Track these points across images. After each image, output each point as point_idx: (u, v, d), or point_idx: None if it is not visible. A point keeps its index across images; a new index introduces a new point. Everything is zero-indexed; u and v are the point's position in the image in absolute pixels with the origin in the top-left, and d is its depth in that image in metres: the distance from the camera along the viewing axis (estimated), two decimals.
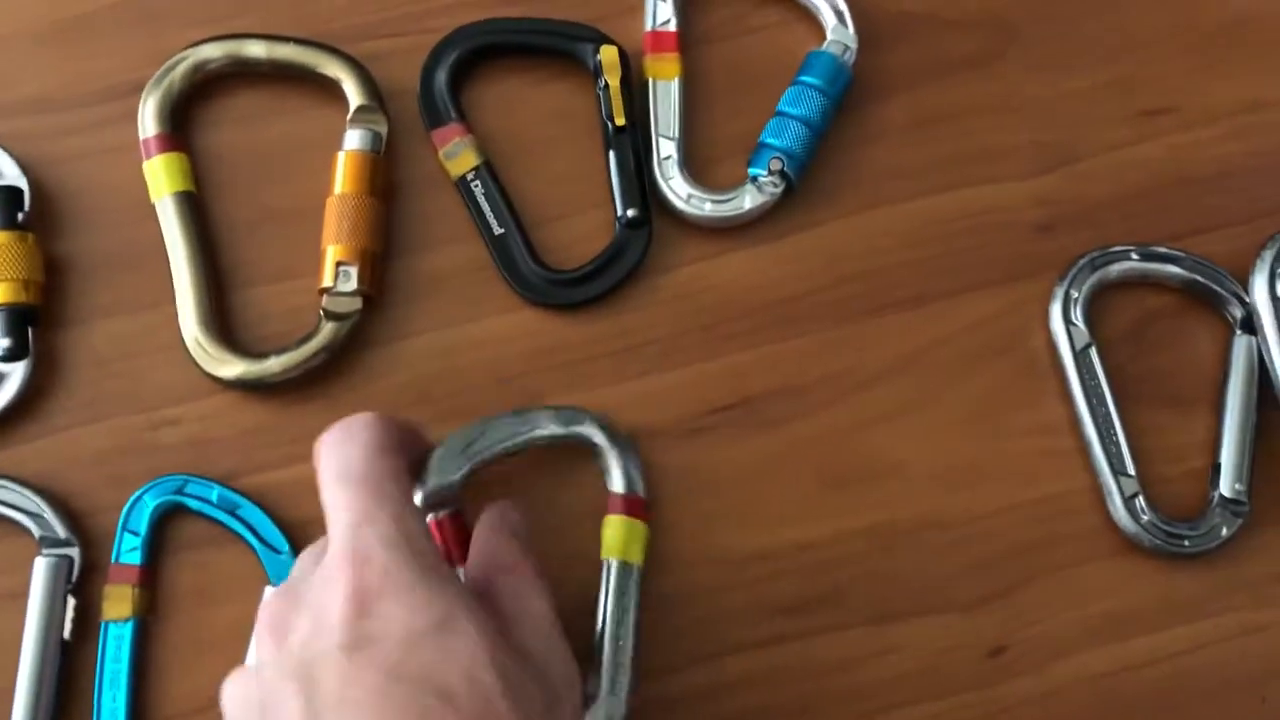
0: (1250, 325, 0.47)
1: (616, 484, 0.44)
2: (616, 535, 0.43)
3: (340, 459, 0.35)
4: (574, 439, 0.44)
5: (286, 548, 0.43)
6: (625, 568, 0.42)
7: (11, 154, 0.46)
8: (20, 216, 0.45)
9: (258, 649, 0.34)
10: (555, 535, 0.44)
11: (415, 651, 0.30)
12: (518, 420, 0.43)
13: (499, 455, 0.42)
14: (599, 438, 0.44)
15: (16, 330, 0.44)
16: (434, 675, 0.30)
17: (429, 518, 0.41)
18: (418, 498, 0.41)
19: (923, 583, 0.45)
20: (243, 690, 0.33)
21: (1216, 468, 0.46)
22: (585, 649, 0.41)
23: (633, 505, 0.43)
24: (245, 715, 0.33)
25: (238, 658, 0.41)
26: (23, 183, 0.45)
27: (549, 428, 0.43)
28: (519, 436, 0.43)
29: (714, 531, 0.44)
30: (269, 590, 0.42)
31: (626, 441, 0.44)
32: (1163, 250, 0.48)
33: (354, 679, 0.30)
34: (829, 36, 0.49)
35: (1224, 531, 0.45)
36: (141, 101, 0.47)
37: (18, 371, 0.44)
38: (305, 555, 0.37)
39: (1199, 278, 0.47)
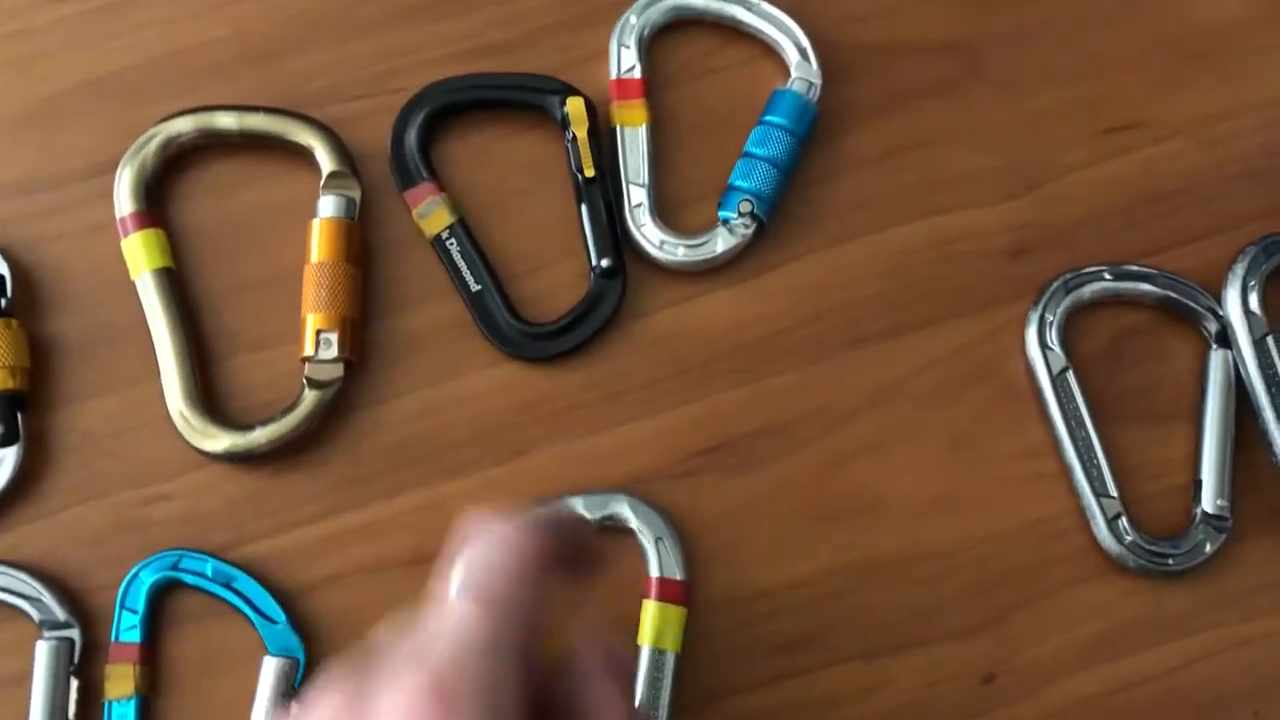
0: (1225, 339, 0.47)
1: (653, 567, 0.44)
2: (652, 622, 0.43)
3: (484, 567, 0.31)
4: (609, 524, 0.45)
5: (283, 618, 0.43)
6: (659, 656, 0.43)
7: None
8: (3, 303, 0.45)
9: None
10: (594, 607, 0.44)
11: None
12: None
13: None
14: (634, 522, 0.44)
15: (6, 416, 0.44)
16: None
17: None
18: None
19: (912, 613, 0.45)
20: None
21: (1198, 484, 0.46)
22: None
23: (669, 589, 0.44)
24: None
25: None
26: (4, 268, 0.46)
27: (581, 516, 0.44)
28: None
29: (704, 574, 0.45)
30: (328, 681, 0.31)
31: (663, 523, 0.44)
32: (1135, 269, 0.48)
33: None
34: (793, 74, 0.49)
35: (1208, 548, 0.45)
36: (116, 179, 0.47)
37: (10, 456, 0.44)
38: (392, 627, 0.32)
39: (1172, 294, 0.48)
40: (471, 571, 0.31)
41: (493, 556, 0.31)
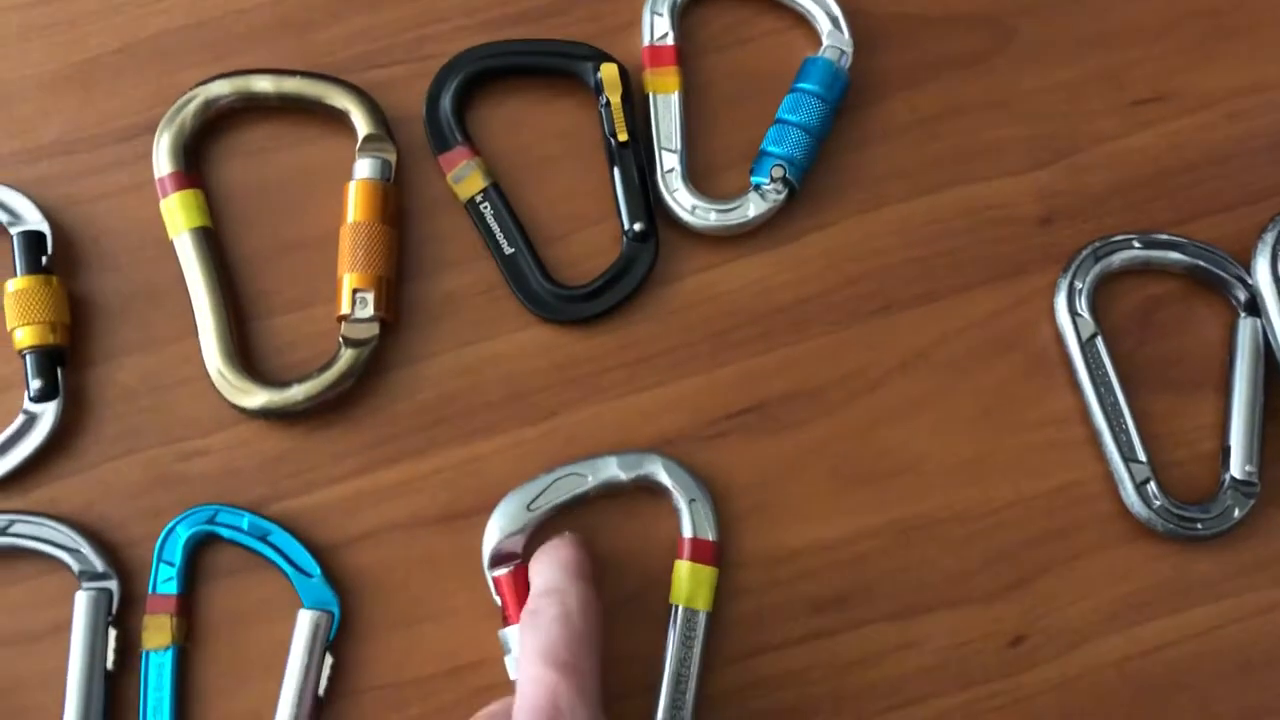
0: (1254, 307, 0.47)
1: (685, 528, 0.44)
2: (684, 581, 0.43)
3: (549, 636, 0.37)
4: (642, 484, 0.45)
5: (317, 571, 0.44)
6: (691, 615, 0.43)
7: (33, 199, 0.47)
8: (44, 260, 0.46)
9: None
10: (624, 571, 0.45)
11: None
12: (583, 469, 0.44)
13: (564, 505, 0.44)
14: (667, 481, 0.44)
15: (46, 371, 0.45)
16: None
17: (492, 574, 0.43)
18: (485, 555, 0.43)
19: (942, 576, 0.45)
20: None
21: (1226, 450, 0.46)
22: (652, 684, 0.43)
23: (701, 550, 0.44)
24: None
25: (274, 680, 0.42)
26: (45, 227, 0.46)
27: (615, 475, 0.44)
28: (583, 486, 0.44)
29: (736, 535, 0.45)
30: None
31: (696, 485, 0.45)
32: (1164, 237, 0.48)
33: None
34: (825, 42, 0.50)
35: (1236, 513, 0.45)
36: (155, 141, 0.48)
37: (49, 411, 0.45)
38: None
39: (1201, 262, 0.48)
40: (538, 633, 0.37)
41: (559, 627, 0.37)
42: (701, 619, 0.43)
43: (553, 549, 0.41)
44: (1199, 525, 0.45)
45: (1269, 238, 0.47)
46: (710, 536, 0.44)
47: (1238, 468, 0.46)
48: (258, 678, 0.43)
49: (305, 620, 0.43)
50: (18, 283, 0.45)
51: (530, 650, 0.37)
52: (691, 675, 0.43)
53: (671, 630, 0.43)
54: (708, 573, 0.44)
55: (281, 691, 0.42)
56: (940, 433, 0.47)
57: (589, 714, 0.35)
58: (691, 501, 0.44)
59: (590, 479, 0.44)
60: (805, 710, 0.44)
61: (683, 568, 0.44)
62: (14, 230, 0.46)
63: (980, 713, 0.44)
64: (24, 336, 0.45)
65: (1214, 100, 0.51)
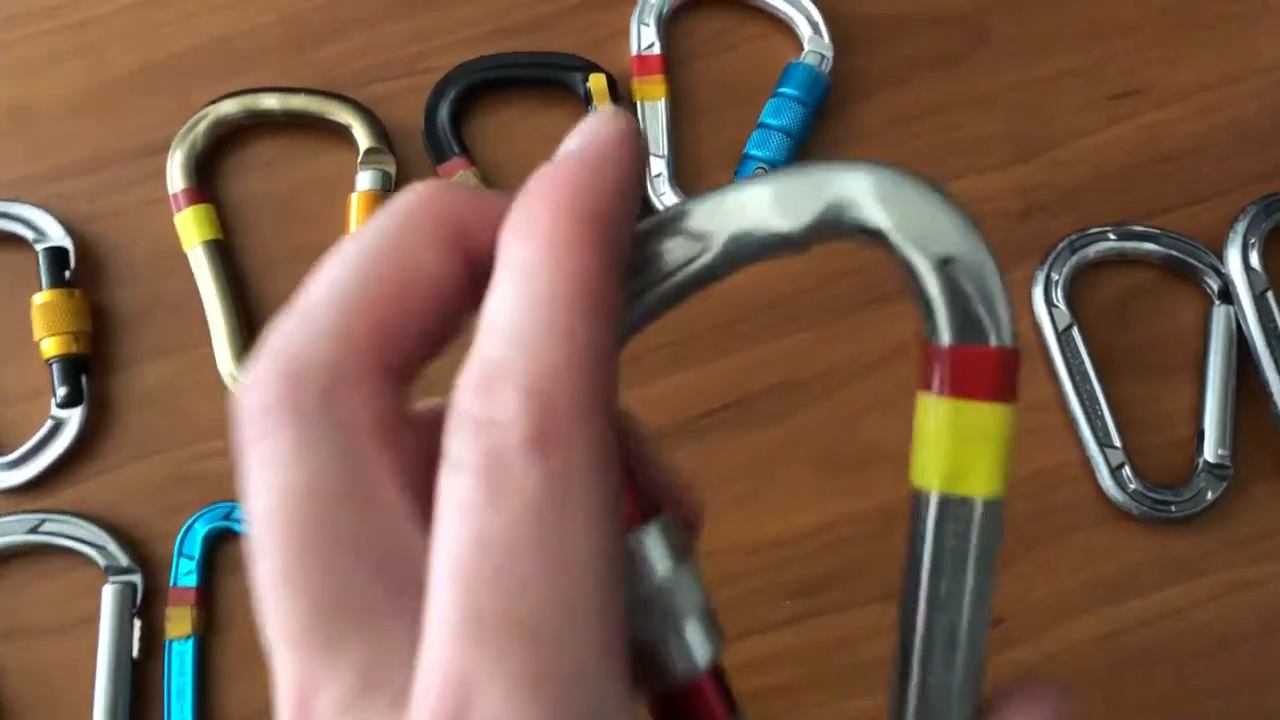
0: (1228, 296, 0.49)
1: (943, 327, 0.21)
2: (942, 437, 0.21)
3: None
4: (834, 235, 0.21)
5: None
6: (961, 506, 0.21)
7: (56, 216, 0.50)
8: (67, 274, 0.49)
9: None
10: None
11: None
12: (705, 211, 0.21)
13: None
14: (888, 229, 0.21)
15: (71, 378, 0.48)
16: None
17: None
18: None
19: None
20: None
21: (1200, 434, 0.48)
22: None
23: (980, 370, 0.21)
24: None
25: None
26: (68, 243, 0.49)
27: (775, 224, 0.21)
28: (710, 253, 0.21)
29: (721, 522, 0.47)
30: None
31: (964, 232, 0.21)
32: (1139, 229, 0.50)
33: None
34: (806, 47, 0.52)
35: (1209, 495, 0.47)
36: (169, 158, 0.50)
37: (75, 416, 0.48)
38: None
39: (1175, 253, 0.49)
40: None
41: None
42: (978, 513, 0.21)
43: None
44: (1173, 507, 0.47)
45: (1240, 228, 0.49)
46: (1007, 340, 0.21)
47: (1211, 451, 0.47)
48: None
49: None
50: (43, 296, 0.48)
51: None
52: (963, 638, 0.22)
53: (921, 543, 0.21)
54: (997, 417, 0.21)
55: None
56: None
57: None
58: (945, 263, 0.21)
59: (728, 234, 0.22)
60: (794, 690, 0.46)
61: (936, 410, 0.21)
62: (39, 246, 0.49)
63: None
64: (50, 346, 0.48)
65: (1187, 93, 0.52)
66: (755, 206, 0.21)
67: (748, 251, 0.21)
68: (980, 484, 0.21)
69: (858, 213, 0.21)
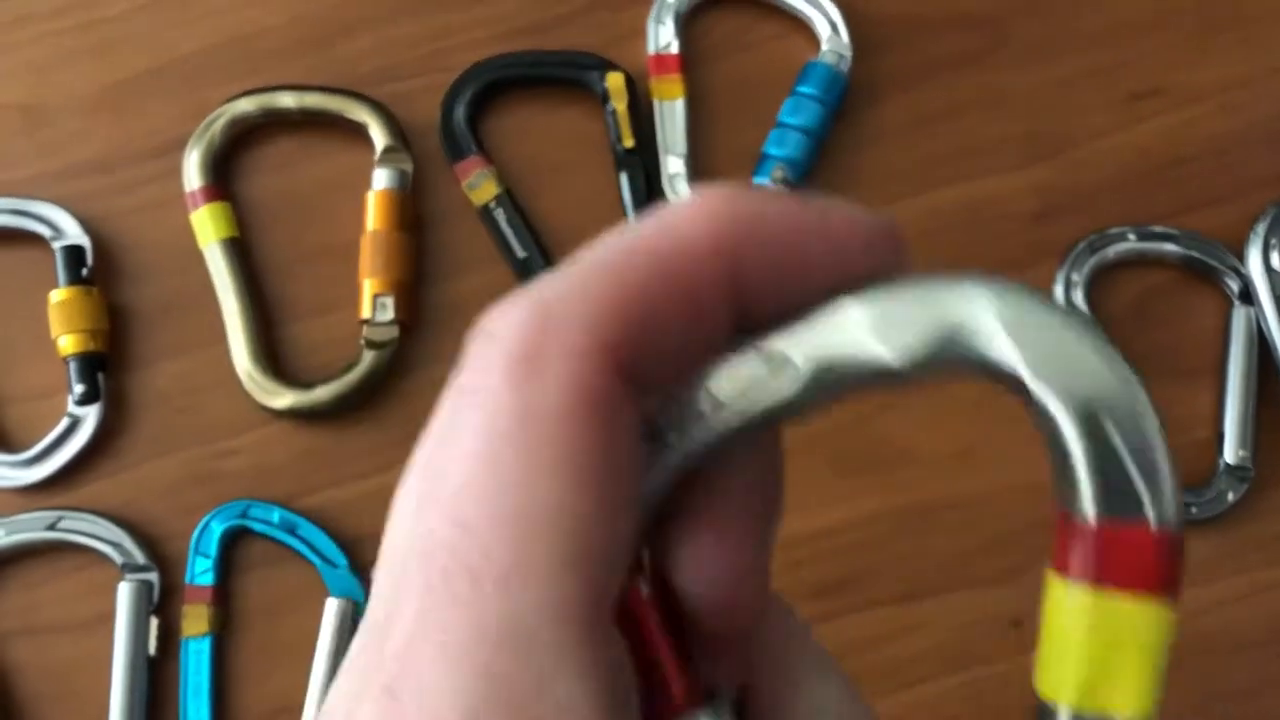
0: (1248, 297, 0.48)
1: (1087, 495, 0.17)
2: (1080, 638, 0.17)
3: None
4: (949, 370, 0.18)
5: (344, 562, 0.46)
6: None
7: (73, 214, 0.50)
8: (84, 272, 0.49)
9: None
10: None
11: None
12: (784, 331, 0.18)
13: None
14: (1021, 369, 0.17)
15: (88, 376, 0.48)
16: None
17: None
18: None
19: (942, 561, 0.47)
20: None
21: (1220, 436, 0.47)
22: None
23: (1135, 556, 0.17)
24: None
25: (305, 664, 0.45)
26: (85, 241, 0.49)
27: (875, 351, 0.18)
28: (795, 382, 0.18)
29: None
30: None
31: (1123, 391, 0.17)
32: (1159, 229, 0.50)
33: None
34: (824, 46, 0.51)
35: (1230, 497, 0.46)
36: (185, 157, 0.50)
37: (92, 414, 0.48)
38: None
39: (1195, 254, 0.49)
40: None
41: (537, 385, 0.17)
42: None
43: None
44: (1193, 509, 0.46)
45: (1261, 228, 0.48)
46: (1171, 524, 0.17)
47: (1231, 453, 0.47)
48: (289, 662, 0.46)
49: (333, 608, 0.46)
50: (60, 294, 0.48)
51: None
52: None
53: None
54: (1151, 620, 0.17)
55: (312, 675, 0.45)
56: (936, 422, 0.48)
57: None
58: (1093, 415, 0.17)
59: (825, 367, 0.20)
60: None
61: (1073, 601, 0.17)
62: (56, 245, 0.49)
63: (981, 693, 0.46)
64: (67, 344, 0.48)
65: (1207, 93, 0.52)
66: (849, 327, 0.17)
67: (840, 384, 0.18)
68: (1126, 699, 0.17)
69: (980, 344, 0.17)
